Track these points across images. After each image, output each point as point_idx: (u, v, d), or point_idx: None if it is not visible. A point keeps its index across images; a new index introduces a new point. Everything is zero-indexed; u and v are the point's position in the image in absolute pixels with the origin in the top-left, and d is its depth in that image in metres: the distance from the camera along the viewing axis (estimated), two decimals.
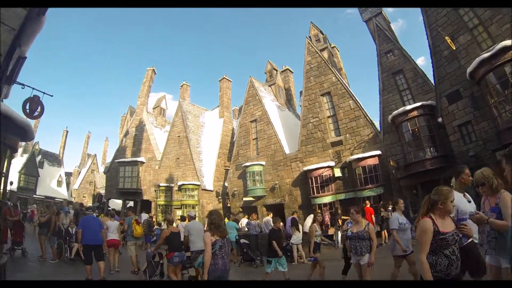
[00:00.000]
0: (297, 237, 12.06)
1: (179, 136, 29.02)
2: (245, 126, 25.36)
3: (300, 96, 23.81)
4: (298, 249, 12.11)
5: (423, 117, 15.47)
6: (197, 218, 9.95)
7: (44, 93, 9.31)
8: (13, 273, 8.24)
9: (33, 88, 9.21)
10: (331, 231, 16.90)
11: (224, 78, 32.79)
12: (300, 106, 22.69)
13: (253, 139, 24.65)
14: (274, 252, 8.11)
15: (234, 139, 27.11)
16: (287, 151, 21.90)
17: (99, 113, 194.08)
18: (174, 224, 9.87)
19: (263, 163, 22.78)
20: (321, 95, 20.70)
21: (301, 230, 12.49)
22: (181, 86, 34.55)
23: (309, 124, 20.74)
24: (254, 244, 13.29)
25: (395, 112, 16.42)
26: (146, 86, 34.00)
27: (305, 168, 19.53)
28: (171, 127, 30.88)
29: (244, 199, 23.21)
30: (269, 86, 28.90)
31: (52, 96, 9.66)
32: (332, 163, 18.65)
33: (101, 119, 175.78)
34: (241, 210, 23.28)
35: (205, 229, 8.25)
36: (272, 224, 15.72)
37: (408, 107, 15.82)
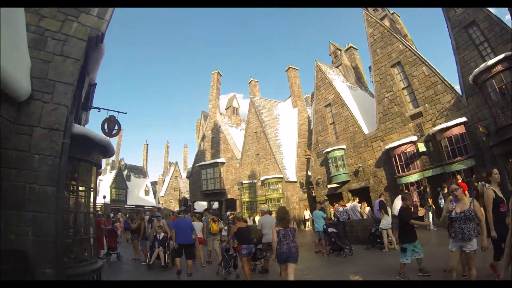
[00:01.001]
0: (386, 222, 11.33)
1: (256, 132, 29.36)
2: (320, 111, 24.85)
3: (370, 72, 22.73)
4: (388, 234, 11.40)
5: (509, 70, 13.00)
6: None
7: (118, 112, 10.07)
8: (110, 275, 9.30)
9: (108, 109, 9.96)
10: (421, 212, 15.68)
11: (290, 67, 32.54)
12: (372, 82, 21.61)
13: (330, 124, 24.03)
14: (411, 236, 7.09)
15: (311, 127, 26.76)
16: (366, 131, 20.92)
17: (174, 122, 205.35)
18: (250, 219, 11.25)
19: (344, 146, 22.07)
20: (391, 67, 19.29)
21: (390, 213, 11.70)
22: (249, 83, 35.08)
23: (384, 99, 19.55)
24: (343, 232, 12.79)
25: (476, 70, 14.14)
26: (215, 89, 35.14)
27: (387, 147, 18.47)
28: (246, 125, 31.42)
29: (329, 186, 22.80)
30: (336, 67, 27.89)
31: (125, 113, 10.42)
32: (415, 138, 17.34)
33: (177, 128, 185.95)
34: (326, 198, 22.95)
35: None
36: (359, 209, 15.36)
37: (490, 62, 13.48)
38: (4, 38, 4.66)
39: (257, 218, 11.22)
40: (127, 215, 21.06)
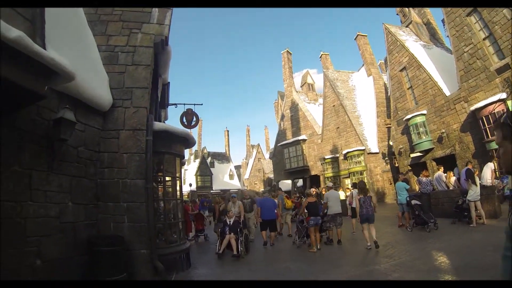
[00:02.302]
0: (474, 193, 10.16)
1: (333, 106, 28.95)
2: (396, 77, 23.33)
3: (444, 26, 20.61)
4: (476, 207, 10.18)
5: None
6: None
7: (194, 104, 10.96)
8: (199, 255, 10.20)
9: (184, 104, 10.88)
10: None
11: (358, 35, 31.10)
12: (448, 37, 19.36)
13: (408, 89, 22.40)
14: None
15: (389, 94, 25.56)
16: (447, 92, 18.93)
17: (253, 106, 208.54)
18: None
19: (424, 112, 20.41)
20: (467, 16, 16.82)
21: (478, 183, 10.53)
22: (320, 57, 34.52)
23: (464, 54, 17.23)
24: (427, 204, 12.18)
25: None
26: (287, 68, 35.20)
27: (472, 108, 16.48)
28: (323, 99, 31.03)
29: (412, 155, 21.68)
30: (406, 26, 25.73)
31: (201, 104, 11.26)
32: (503, 95, 15.42)
33: (257, 110, 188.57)
34: (409, 168, 22.05)
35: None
36: (445, 179, 14.27)
37: None
38: (84, 64, 5.65)
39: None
40: (200, 199, 22.69)
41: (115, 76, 6.86)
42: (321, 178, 29.27)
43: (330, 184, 12.74)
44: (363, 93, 29.47)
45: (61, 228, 5.26)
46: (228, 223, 9.58)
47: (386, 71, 28.59)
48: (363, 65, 31.65)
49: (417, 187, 16.31)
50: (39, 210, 4.84)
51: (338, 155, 27.68)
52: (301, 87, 37.54)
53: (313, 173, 30.62)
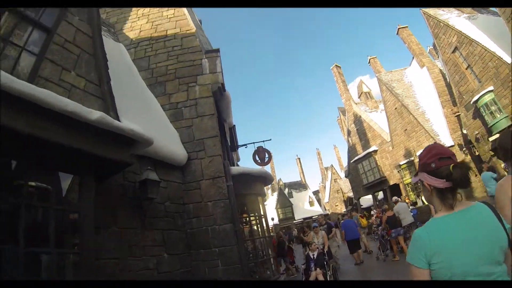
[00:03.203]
0: None
1: (395, 108, 27.73)
2: (450, 60, 21.35)
3: None
4: None
5: None
6: None
7: (263, 141, 11.16)
8: None
9: (253, 143, 11.11)
10: None
11: (399, 28, 29.37)
12: None
13: (466, 69, 20.13)
14: None
15: (448, 81, 23.87)
16: (508, 60, 16.51)
17: (317, 127, 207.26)
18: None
19: (491, 88, 18.13)
20: None
21: None
22: (369, 62, 33.54)
23: None
24: None
25: None
26: (340, 83, 34.74)
27: None
28: (384, 104, 29.83)
29: (490, 139, 19.55)
30: None
31: (270, 140, 11.45)
32: None
33: (322, 131, 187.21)
34: (492, 154, 20.06)
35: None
36: None
37: None
38: (154, 125, 6.14)
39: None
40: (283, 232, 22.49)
41: (184, 131, 7.33)
42: (401, 186, 27.66)
43: (395, 198, 13.72)
44: (422, 87, 27.73)
45: (160, 278, 5.57)
46: (312, 257, 8.55)
47: (438, 57, 26.87)
48: (413, 58, 30.07)
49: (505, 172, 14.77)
50: (138, 264, 5.24)
51: (412, 158, 26.06)
52: (359, 97, 36.65)
53: (391, 182, 29.16)
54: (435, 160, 1.62)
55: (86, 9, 5.64)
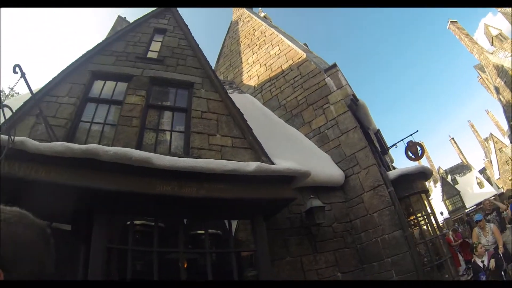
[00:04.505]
0: None
1: None
2: None
3: None
4: None
5: None
6: None
7: (411, 134, 10.46)
8: None
9: (402, 140, 10.54)
10: None
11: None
12: None
13: None
14: None
15: None
16: None
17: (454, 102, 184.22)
18: None
19: None
20: None
21: None
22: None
23: None
24: None
25: None
26: (464, 38, 27.66)
27: None
28: None
29: None
30: None
31: (417, 131, 10.67)
32: None
33: (464, 103, 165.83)
34: None
35: None
36: None
37: None
38: (305, 155, 6.43)
39: None
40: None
41: (334, 152, 7.45)
42: None
43: None
44: None
45: None
46: (482, 266, 6.10)
47: None
48: None
49: None
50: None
51: None
52: (492, 45, 30.72)
53: None
54: None
55: (208, 80, 6.46)
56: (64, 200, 4.53)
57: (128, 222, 4.55)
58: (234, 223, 5.40)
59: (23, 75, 4.19)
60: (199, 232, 5.14)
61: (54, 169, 4.17)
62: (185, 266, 4.68)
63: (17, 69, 4.03)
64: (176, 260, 5.06)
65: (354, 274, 6.25)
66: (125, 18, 12.57)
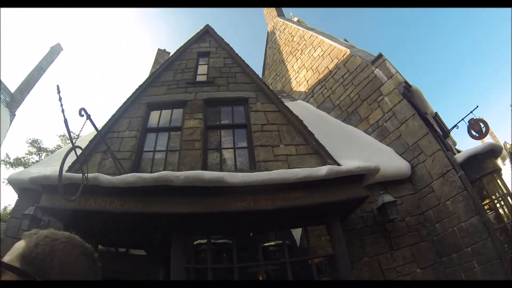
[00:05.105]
0: None
1: None
2: None
3: None
4: None
5: None
6: None
7: (471, 112, 9.97)
8: None
9: (462, 119, 10.06)
10: None
11: None
12: None
13: None
14: None
15: None
16: None
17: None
18: None
19: None
20: None
21: None
22: None
23: None
24: None
25: None
26: None
27: None
28: None
29: None
30: None
31: (477, 107, 10.12)
32: None
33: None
34: None
35: None
36: None
37: None
38: (370, 151, 6.34)
39: None
40: None
41: (396, 143, 7.23)
42: None
43: None
44: None
45: None
46: None
47: None
48: None
49: None
50: None
51: None
52: None
53: None
54: None
55: (261, 92, 6.62)
56: (140, 228, 4.83)
57: (196, 242, 4.81)
58: (296, 232, 5.49)
59: (88, 116, 4.51)
60: (266, 244, 5.27)
61: (128, 199, 4.49)
62: (261, 279, 4.79)
63: (82, 112, 4.31)
64: (253, 274, 5.23)
65: (434, 269, 5.97)
66: (164, 50, 13.18)
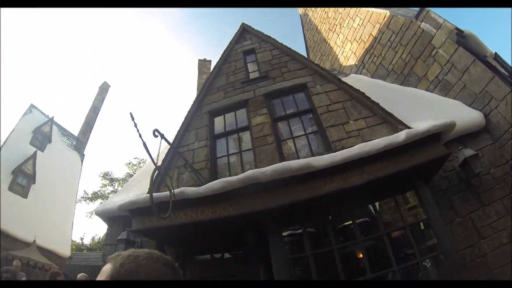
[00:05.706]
0: None
1: None
2: None
3: None
4: None
5: None
6: None
7: None
8: None
9: None
10: None
11: None
12: None
13: None
14: None
15: None
16: None
17: None
18: None
19: None
20: None
21: None
22: None
23: None
24: None
25: None
26: None
27: None
28: None
29: None
30: None
31: None
32: None
33: None
34: None
35: None
36: None
37: None
38: (442, 111, 6.26)
39: None
40: None
41: (462, 95, 6.87)
42: None
43: None
44: None
45: None
46: None
47: None
48: None
49: None
50: (492, 243, 5.04)
51: None
52: None
53: None
54: None
55: (317, 75, 6.66)
56: (232, 230, 5.07)
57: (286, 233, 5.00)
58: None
59: (162, 136, 4.76)
60: (346, 223, 5.29)
61: (218, 206, 4.68)
62: (361, 256, 4.84)
63: (156, 133, 4.59)
64: (350, 253, 5.34)
65: None
66: (205, 59, 13.50)
